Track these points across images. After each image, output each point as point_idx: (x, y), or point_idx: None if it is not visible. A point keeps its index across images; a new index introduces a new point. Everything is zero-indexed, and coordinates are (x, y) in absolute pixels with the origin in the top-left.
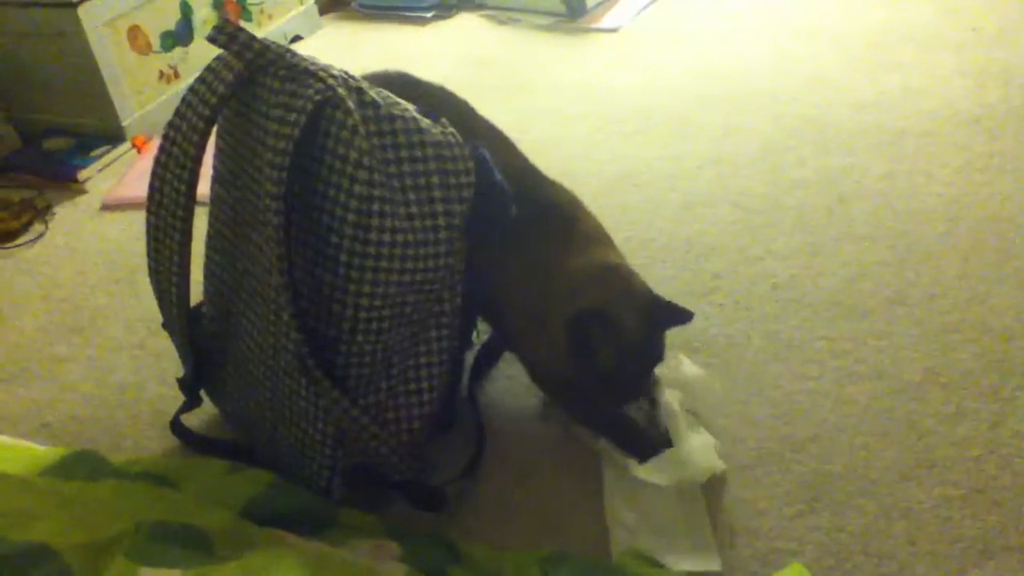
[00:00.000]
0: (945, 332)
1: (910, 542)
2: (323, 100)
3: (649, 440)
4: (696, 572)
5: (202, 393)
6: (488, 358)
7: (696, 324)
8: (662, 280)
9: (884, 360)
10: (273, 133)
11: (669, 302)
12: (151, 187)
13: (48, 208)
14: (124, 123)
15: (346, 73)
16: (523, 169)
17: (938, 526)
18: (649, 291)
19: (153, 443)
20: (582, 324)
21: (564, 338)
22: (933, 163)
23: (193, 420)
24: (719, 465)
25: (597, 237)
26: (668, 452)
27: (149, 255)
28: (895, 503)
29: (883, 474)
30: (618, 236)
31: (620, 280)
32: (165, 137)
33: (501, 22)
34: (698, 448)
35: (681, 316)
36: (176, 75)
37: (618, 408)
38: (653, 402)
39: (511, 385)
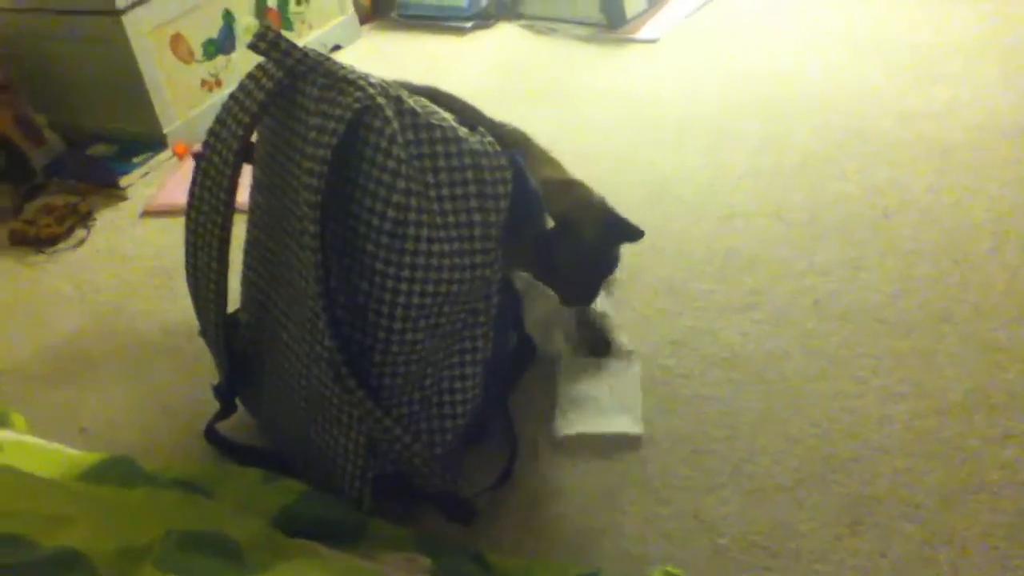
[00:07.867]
0: (992, 351)
1: (954, 570)
2: (362, 108)
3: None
4: (620, 433)
5: (237, 401)
6: (516, 368)
7: (734, 340)
8: (699, 294)
9: (928, 379)
10: (312, 141)
11: (624, 218)
12: (191, 194)
13: (90, 213)
14: (166, 130)
15: (385, 81)
16: (474, 115)
17: (984, 554)
18: (606, 205)
19: (188, 449)
20: (547, 233)
21: (530, 245)
22: (980, 177)
23: (228, 428)
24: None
25: (549, 160)
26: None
27: (188, 261)
28: (939, 528)
29: (927, 497)
30: (655, 247)
31: (579, 193)
32: (205, 144)
33: (540, 32)
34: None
35: (633, 233)
36: (218, 83)
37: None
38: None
39: (543, 396)
